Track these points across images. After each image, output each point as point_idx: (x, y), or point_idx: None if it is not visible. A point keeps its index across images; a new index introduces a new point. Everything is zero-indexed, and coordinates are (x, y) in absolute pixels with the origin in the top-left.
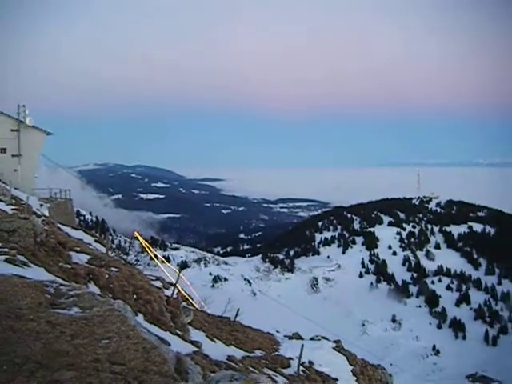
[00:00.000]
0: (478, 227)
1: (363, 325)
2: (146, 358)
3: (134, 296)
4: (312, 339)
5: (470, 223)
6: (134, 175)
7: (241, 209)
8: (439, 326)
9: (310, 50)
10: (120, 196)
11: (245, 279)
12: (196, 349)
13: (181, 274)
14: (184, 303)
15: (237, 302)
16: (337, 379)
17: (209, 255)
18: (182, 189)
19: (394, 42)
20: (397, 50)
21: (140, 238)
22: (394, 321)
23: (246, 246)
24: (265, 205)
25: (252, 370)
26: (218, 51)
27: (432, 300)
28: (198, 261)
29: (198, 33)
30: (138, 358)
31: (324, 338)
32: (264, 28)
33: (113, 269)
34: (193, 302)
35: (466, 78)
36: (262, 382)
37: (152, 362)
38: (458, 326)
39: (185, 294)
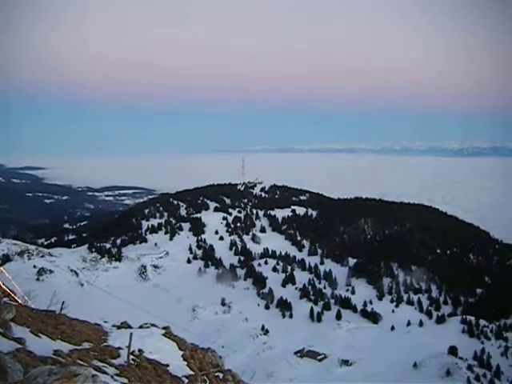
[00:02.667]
0: (300, 210)
1: (194, 310)
2: None
3: None
4: (141, 327)
5: (293, 207)
6: None
7: (64, 198)
8: (267, 307)
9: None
10: None
11: (71, 270)
12: (19, 346)
13: (1, 268)
14: (5, 299)
15: (64, 295)
16: (167, 365)
17: (32, 247)
18: (0, 178)
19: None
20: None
21: None
22: (223, 304)
23: (71, 236)
24: (89, 193)
25: (80, 362)
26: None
27: (259, 282)
28: (20, 253)
29: None
30: None
31: (153, 325)
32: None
33: None
34: (15, 297)
35: (281, 67)
36: (81, 374)
37: None
38: (284, 306)
39: (6, 289)
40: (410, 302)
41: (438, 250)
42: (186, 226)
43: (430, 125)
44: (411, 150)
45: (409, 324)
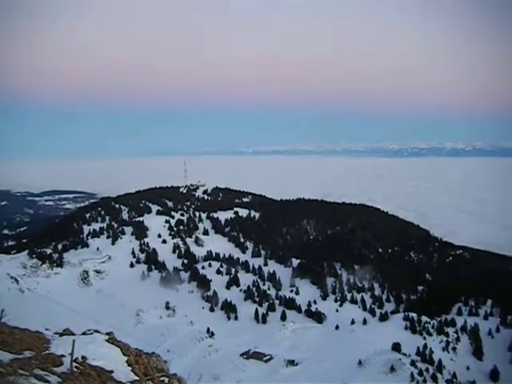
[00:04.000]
0: (243, 212)
1: (138, 314)
2: None
3: None
4: (84, 334)
5: (235, 209)
6: None
7: (3, 203)
8: (212, 309)
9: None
10: None
11: (11, 277)
12: None
13: None
14: None
15: (3, 302)
16: (112, 371)
17: None
18: None
19: None
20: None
21: None
22: (167, 308)
23: (10, 243)
24: (29, 198)
25: (22, 372)
26: None
27: (203, 285)
28: None
29: None
30: None
31: (96, 331)
32: None
33: None
34: None
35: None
36: None
37: None
38: (229, 308)
39: None
40: (353, 301)
41: (380, 249)
42: (129, 229)
43: (374, 126)
44: (352, 151)
45: (353, 323)
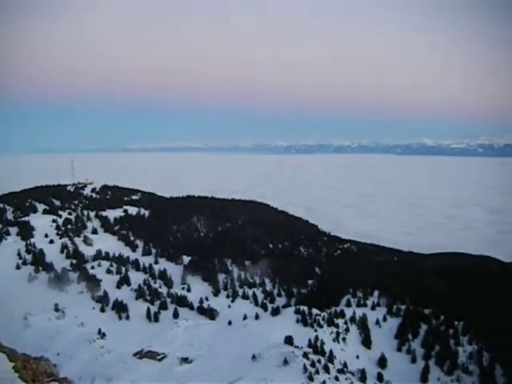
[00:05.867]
0: (133, 210)
1: (25, 318)
2: None
3: None
4: None
5: (125, 207)
6: None
7: None
8: (103, 310)
9: None
10: None
11: None
12: None
13: None
14: None
15: None
16: None
17: None
18: None
19: None
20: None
21: None
22: (57, 310)
23: None
24: None
25: None
26: None
27: (93, 285)
28: None
29: None
30: None
31: None
32: None
33: None
34: None
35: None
36: None
37: None
38: (120, 308)
39: None
40: (245, 297)
41: (270, 245)
42: (14, 230)
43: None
44: (240, 148)
45: (245, 318)
